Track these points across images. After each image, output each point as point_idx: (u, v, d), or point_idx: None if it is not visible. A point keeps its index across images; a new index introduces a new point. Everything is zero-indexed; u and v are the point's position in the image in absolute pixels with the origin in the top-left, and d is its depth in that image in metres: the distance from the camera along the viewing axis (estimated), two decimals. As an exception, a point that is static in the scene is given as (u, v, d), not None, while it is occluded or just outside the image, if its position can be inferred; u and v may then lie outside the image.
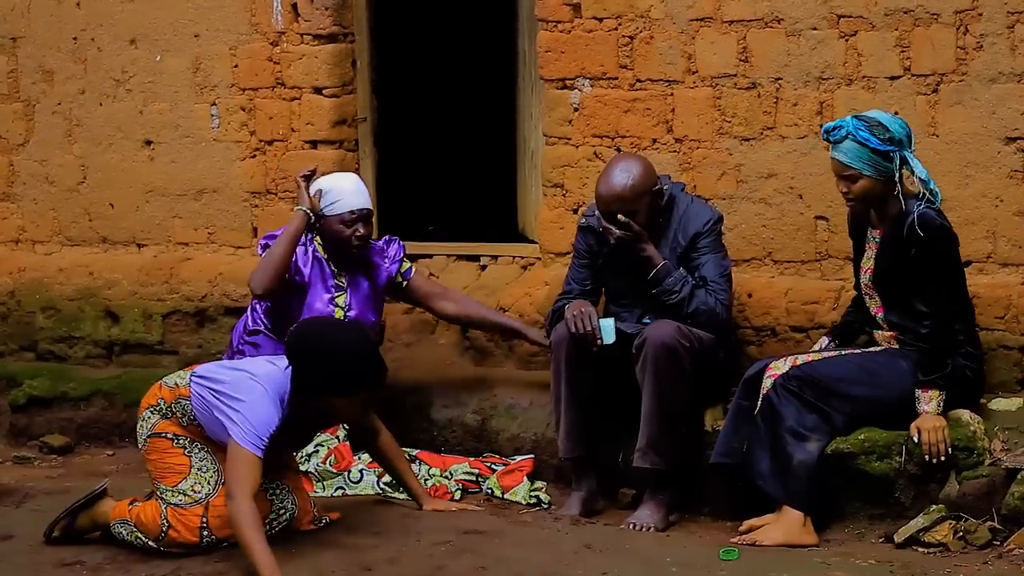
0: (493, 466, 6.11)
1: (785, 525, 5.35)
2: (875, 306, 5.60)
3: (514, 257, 7.01)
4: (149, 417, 5.22)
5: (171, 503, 5.10)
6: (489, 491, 6.01)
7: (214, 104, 7.19)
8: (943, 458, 5.30)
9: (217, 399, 5.06)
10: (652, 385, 5.60)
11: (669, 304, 5.69)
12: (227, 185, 7.22)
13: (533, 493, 5.94)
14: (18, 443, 6.92)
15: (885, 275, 5.50)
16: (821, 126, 6.06)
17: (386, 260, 6.13)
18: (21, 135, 7.58)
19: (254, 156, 7.16)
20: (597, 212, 5.83)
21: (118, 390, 6.87)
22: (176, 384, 5.22)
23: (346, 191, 5.96)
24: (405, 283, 6.18)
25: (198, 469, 5.16)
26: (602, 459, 5.88)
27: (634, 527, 5.58)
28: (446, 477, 6.05)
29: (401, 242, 6.22)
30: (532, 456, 6.11)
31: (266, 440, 4.96)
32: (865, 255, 5.61)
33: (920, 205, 5.33)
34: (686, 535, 5.56)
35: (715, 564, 5.06)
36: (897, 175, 5.35)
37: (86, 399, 6.92)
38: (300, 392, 5.04)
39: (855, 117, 5.39)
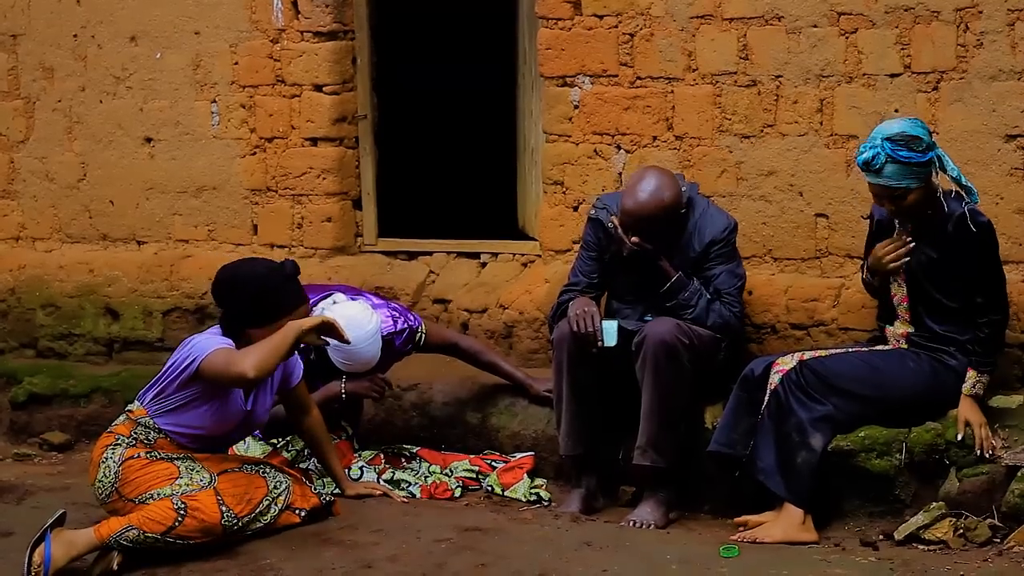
0: (493, 463, 6.12)
1: (785, 522, 5.35)
2: (901, 294, 5.60)
3: (514, 254, 7.00)
4: (112, 454, 5.21)
5: (181, 492, 5.10)
6: (489, 488, 6.01)
7: (214, 101, 7.19)
8: (992, 452, 5.33)
9: (171, 375, 5.15)
10: (652, 383, 5.60)
11: (685, 318, 5.70)
12: (227, 182, 7.22)
13: (533, 490, 5.94)
14: (18, 440, 6.92)
15: (917, 266, 5.50)
16: (821, 123, 6.08)
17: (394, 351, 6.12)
18: (21, 132, 7.58)
19: (254, 153, 7.16)
20: (613, 218, 5.80)
21: (118, 387, 6.87)
22: (126, 416, 5.28)
23: (363, 355, 5.85)
24: (416, 351, 6.20)
25: (187, 469, 5.19)
26: (602, 457, 5.88)
27: (634, 524, 5.58)
28: (446, 474, 6.06)
29: (408, 326, 6.12)
30: (532, 453, 6.11)
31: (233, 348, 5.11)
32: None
33: (965, 203, 5.36)
34: (686, 532, 5.56)
35: (715, 561, 5.07)
36: (935, 175, 5.37)
37: (86, 396, 6.92)
38: (238, 332, 5.22)
39: (885, 139, 5.32)
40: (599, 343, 5.63)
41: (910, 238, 5.49)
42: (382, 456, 6.10)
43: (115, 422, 5.35)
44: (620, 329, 5.69)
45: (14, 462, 6.65)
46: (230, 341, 5.20)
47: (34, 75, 7.52)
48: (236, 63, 7.13)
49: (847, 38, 6.02)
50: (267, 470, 5.36)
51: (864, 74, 6.01)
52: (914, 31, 5.91)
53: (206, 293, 7.10)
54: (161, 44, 7.24)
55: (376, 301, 6.07)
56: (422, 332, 6.13)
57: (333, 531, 5.28)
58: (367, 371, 5.91)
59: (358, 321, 5.76)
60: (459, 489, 5.99)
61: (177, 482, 5.15)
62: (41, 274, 7.49)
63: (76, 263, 7.45)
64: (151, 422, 5.22)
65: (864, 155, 5.35)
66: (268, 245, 7.17)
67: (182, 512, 5.03)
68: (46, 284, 7.45)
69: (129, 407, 5.34)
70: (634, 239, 5.71)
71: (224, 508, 5.10)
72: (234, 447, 5.74)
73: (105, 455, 5.22)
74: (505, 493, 5.96)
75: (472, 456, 6.18)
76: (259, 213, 7.19)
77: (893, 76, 5.97)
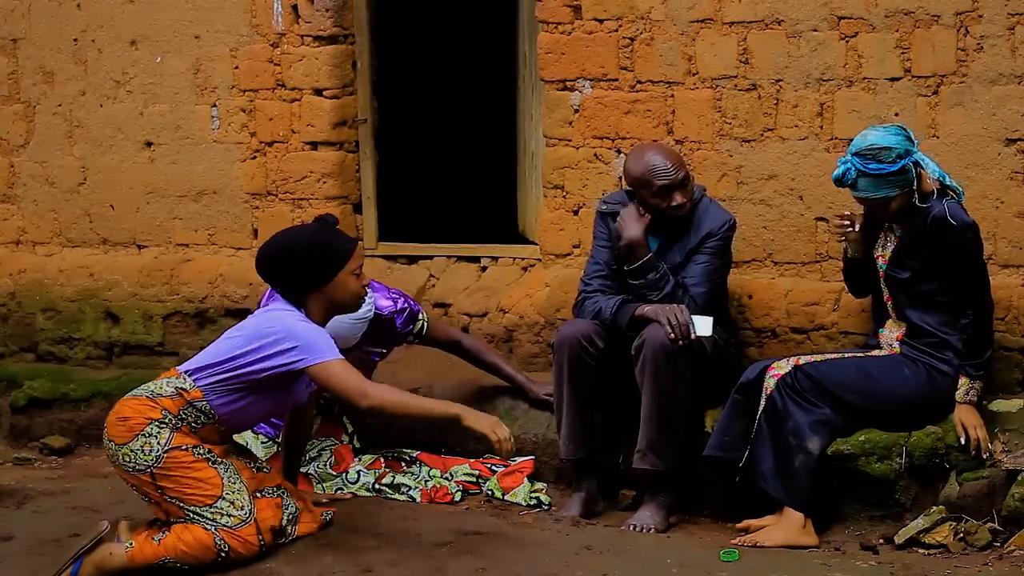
0: (493, 467, 6.11)
1: (785, 526, 5.35)
2: (886, 293, 5.63)
3: (514, 258, 7.00)
4: (157, 432, 4.99)
5: (221, 524, 4.95)
6: (489, 492, 6.01)
7: (214, 105, 7.19)
8: (987, 454, 5.34)
9: (251, 364, 4.98)
10: (651, 387, 5.60)
11: (653, 300, 5.70)
12: (227, 186, 7.22)
13: (533, 494, 5.94)
14: (19, 444, 6.92)
15: (898, 266, 5.51)
16: (821, 127, 6.09)
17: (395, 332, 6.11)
18: (21, 136, 7.59)
19: (254, 157, 7.17)
20: (657, 187, 5.76)
21: (118, 391, 6.81)
22: (177, 391, 5.04)
23: (343, 332, 5.76)
24: (418, 340, 6.22)
25: (229, 481, 5.02)
26: (602, 460, 5.88)
27: (634, 528, 5.58)
28: (447, 478, 6.06)
29: (409, 307, 6.14)
30: (532, 457, 6.11)
31: (333, 340, 5.02)
32: (880, 241, 5.61)
33: (946, 199, 5.38)
34: (686, 536, 5.56)
35: (715, 565, 5.07)
36: (915, 179, 5.38)
37: (86, 400, 6.91)
38: (302, 299, 5.13)
39: (853, 154, 5.40)
40: (692, 335, 5.57)
41: (850, 224, 5.57)
42: (382, 460, 6.10)
43: (159, 389, 5.06)
44: (618, 333, 5.69)
45: (14, 466, 6.65)
46: (320, 329, 5.07)
47: (34, 79, 7.52)
48: (236, 67, 7.13)
49: (847, 42, 6.02)
50: (283, 492, 5.24)
51: (864, 78, 6.01)
52: (914, 35, 5.91)
53: (206, 297, 7.12)
54: (161, 48, 7.25)
55: (376, 284, 6.08)
56: (423, 319, 6.15)
57: (333, 536, 5.28)
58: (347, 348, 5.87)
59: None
60: (459, 493, 5.99)
61: (218, 504, 4.97)
62: (41, 278, 7.49)
63: (76, 267, 7.45)
64: (207, 407, 5.02)
65: (835, 172, 5.44)
66: (268, 249, 7.17)
67: (223, 553, 4.93)
68: (46, 288, 7.45)
69: (180, 384, 5.05)
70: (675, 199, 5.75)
71: (261, 541, 5.02)
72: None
73: (149, 429, 4.99)
74: (505, 497, 5.96)
75: (472, 460, 6.18)
76: (259, 217, 7.20)
77: (893, 80, 5.97)
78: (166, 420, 5.01)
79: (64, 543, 5.14)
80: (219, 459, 5.07)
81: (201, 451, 5.03)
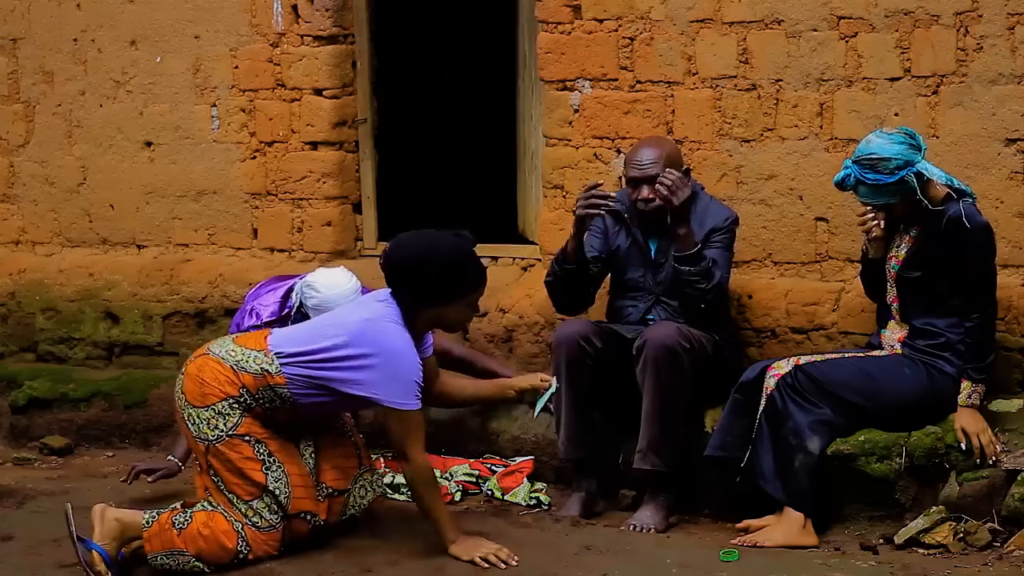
0: (493, 467, 6.12)
1: (785, 526, 5.35)
2: (892, 295, 5.62)
3: (514, 258, 7.00)
4: (229, 412, 4.92)
5: (250, 523, 4.97)
6: (489, 492, 6.01)
7: (214, 105, 7.19)
8: (994, 459, 5.33)
9: (336, 370, 4.90)
10: (652, 386, 5.60)
11: (697, 287, 5.66)
12: (227, 186, 7.23)
13: (533, 494, 5.94)
14: (18, 444, 6.92)
15: (911, 267, 5.51)
16: (821, 127, 6.09)
17: None
18: (21, 136, 7.59)
19: (254, 157, 7.17)
20: (627, 178, 5.82)
21: (118, 391, 6.88)
22: (262, 371, 4.93)
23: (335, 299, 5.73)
24: None
25: (274, 482, 4.99)
26: (602, 460, 5.88)
27: (634, 528, 5.58)
28: (446, 478, 6.06)
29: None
30: (532, 457, 6.11)
31: (420, 383, 4.90)
32: (894, 243, 5.60)
33: (965, 201, 5.38)
34: (686, 536, 5.56)
35: (715, 565, 5.07)
36: (919, 188, 5.36)
37: (86, 400, 6.91)
38: (415, 309, 5.01)
39: (855, 161, 5.40)
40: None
41: (872, 213, 5.49)
42: (382, 460, 6.10)
43: (244, 363, 4.96)
44: (619, 334, 5.69)
45: (14, 466, 6.65)
46: (417, 367, 4.94)
47: (34, 79, 7.52)
48: (236, 67, 7.13)
49: (847, 42, 6.03)
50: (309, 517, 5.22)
51: (864, 78, 6.01)
52: (914, 35, 5.91)
53: (206, 297, 7.12)
54: (161, 48, 7.25)
55: (363, 289, 6.07)
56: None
57: (333, 535, 5.28)
58: None
59: (335, 280, 5.75)
60: (459, 493, 5.99)
61: (254, 503, 4.96)
62: (41, 278, 7.49)
63: (76, 267, 7.45)
64: (287, 395, 4.94)
65: (837, 176, 5.46)
66: (268, 249, 7.18)
67: (241, 555, 4.94)
68: (46, 288, 7.45)
69: (266, 365, 4.92)
70: (668, 174, 5.69)
71: (283, 547, 5.03)
72: None
73: (221, 406, 4.91)
74: (505, 497, 5.96)
75: (472, 460, 6.18)
76: (259, 217, 7.20)
77: (893, 80, 5.97)
78: (241, 399, 4.94)
79: (64, 543, 5.14)
80: (275, 458, 5.00)
81: (262, 449, 4.98)
